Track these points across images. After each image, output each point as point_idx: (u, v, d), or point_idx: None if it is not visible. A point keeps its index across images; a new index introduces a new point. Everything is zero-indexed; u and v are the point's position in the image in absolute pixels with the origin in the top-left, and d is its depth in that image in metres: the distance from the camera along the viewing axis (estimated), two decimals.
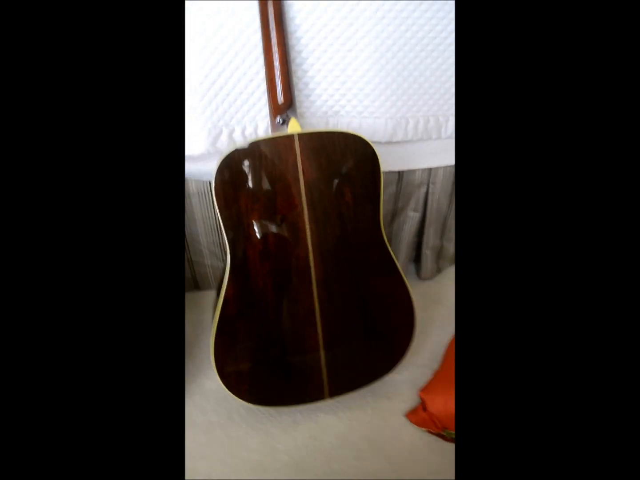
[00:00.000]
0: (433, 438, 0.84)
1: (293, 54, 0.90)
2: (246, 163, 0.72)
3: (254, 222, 0.75)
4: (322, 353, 0.84)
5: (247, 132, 0.95)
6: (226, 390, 0.82)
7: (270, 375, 0.84)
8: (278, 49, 0.84)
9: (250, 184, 0.73)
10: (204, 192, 1.04)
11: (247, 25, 0.85)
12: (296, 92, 0.92)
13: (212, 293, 1.24)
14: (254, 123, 0.95)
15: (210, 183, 1.03)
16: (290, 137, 0.74)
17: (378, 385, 0.94)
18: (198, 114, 0.90)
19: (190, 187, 1.03)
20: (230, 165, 0.71)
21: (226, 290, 0.76)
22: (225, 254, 0.77)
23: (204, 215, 1.08)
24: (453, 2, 0.89)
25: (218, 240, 1.13)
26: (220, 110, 0.91)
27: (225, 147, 0.93)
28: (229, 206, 0.73)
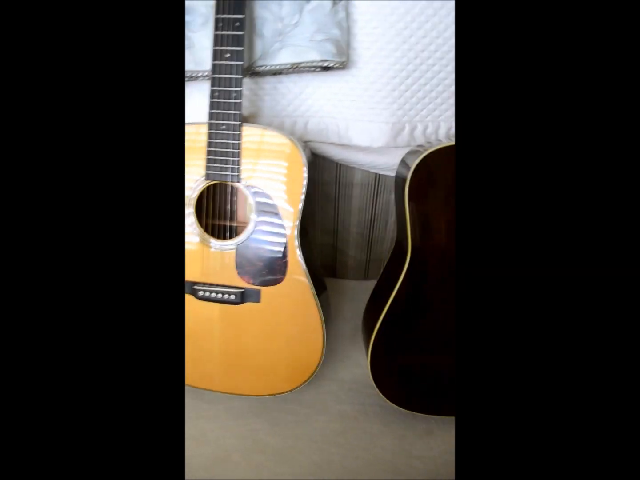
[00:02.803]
0: None
1: None
2: (442, 165, 0.71)
3: (441, 226, 0.73)
4: None
5: (427, 131, 0.93)
6: (372, 382, 0.82)
7: (419, 379, 0.83)
8: None
9: (442, 187, 0.71)
10: (368, 184, 1.05)
11: (453, 22, 0.83)
12: None
13: (348, 282, 1.25)
14: (437, 123, 0.93)
15: (377, 176, 1.03)
16: None
17: None
18: (385, 107, 0.90)
19: (356, 176, 1.04)
20: (428, 164, 0.70)
21: (399, 287, 0.76)
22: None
23: (360, 207, 1.09)
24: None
25: (368, 233, 1.14)
26: (407, 106, 0.90)
27: (405, 143, 0.93)
28: (420, 204, 0.72)
